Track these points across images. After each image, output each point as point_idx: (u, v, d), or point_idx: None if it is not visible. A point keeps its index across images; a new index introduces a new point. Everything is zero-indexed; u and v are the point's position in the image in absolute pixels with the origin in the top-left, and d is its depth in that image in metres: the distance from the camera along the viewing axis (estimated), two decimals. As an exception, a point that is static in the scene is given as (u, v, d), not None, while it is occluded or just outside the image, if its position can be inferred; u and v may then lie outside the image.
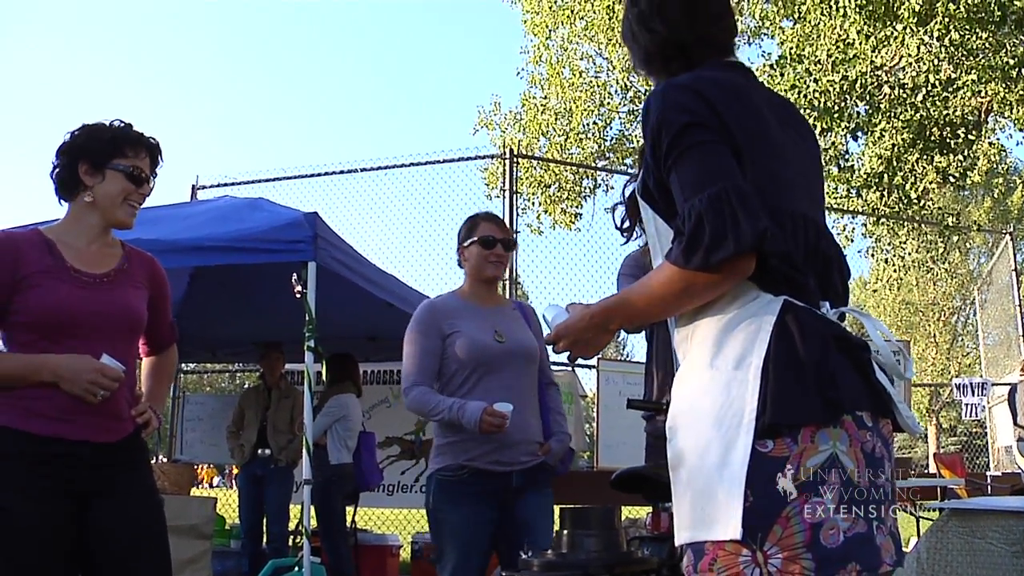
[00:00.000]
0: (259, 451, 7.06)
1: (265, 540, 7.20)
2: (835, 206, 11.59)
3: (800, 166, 1.81)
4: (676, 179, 1.66)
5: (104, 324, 2.56)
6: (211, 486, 29.22)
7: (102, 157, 2.60)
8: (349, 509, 7.53)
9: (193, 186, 9.77)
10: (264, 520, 7.17)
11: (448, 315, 3.44)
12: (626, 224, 3.49)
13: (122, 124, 2.69)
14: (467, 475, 3.28)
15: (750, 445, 1.54)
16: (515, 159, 9.55)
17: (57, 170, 2.64)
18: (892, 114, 10.20)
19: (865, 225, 12.14)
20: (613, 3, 13.25)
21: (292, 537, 7.33)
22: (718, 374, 1.62)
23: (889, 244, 12.19)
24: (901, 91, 10.09)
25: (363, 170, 9.59)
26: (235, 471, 8.30)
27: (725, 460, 1.56)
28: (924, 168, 10.43)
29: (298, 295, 5.03)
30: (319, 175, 9.75)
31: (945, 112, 10.00)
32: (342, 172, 9.65)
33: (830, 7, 9.92)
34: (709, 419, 1.59)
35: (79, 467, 2.49)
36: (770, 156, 1.72)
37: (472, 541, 3.26)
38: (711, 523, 1.57)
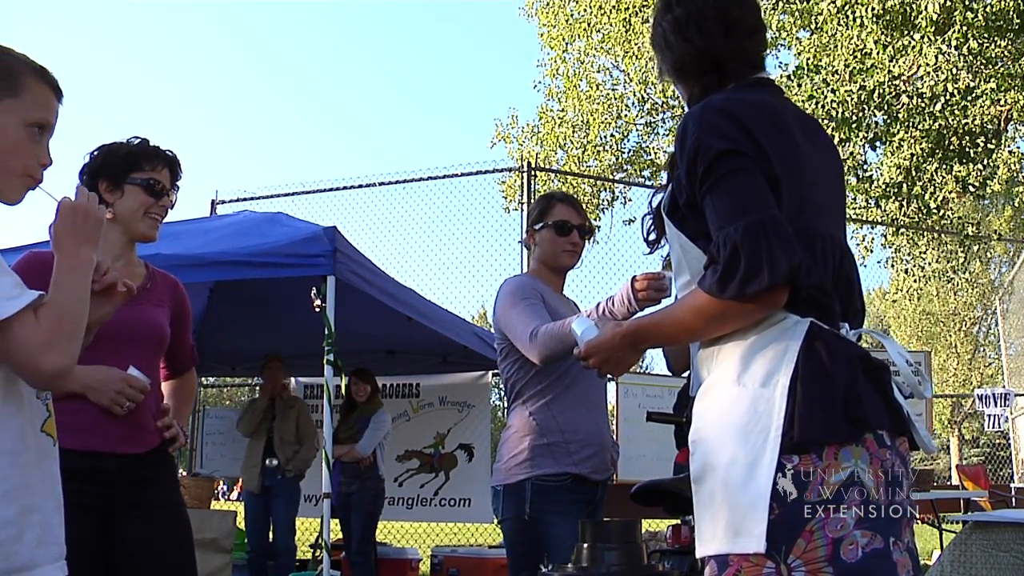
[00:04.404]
0: (267, 461, 7.09)
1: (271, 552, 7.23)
2: (854, 217, 11.52)
3: (828, 186, 1.81)
4: (711, 205, 1.66)
5: (131, 340, 2.59)
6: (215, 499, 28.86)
7: (120, 173, 2.63)
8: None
9: (212, 201, 9.83)
10: (269, 531, 7.21)
11: (545, 293, 3.05)
12: (652, 236, 3.38)
13: (138, 140, 2.71)
14: (570, 482, 2.95)
15: (776, 460, 1.56)
16: (533, 172, 9.54)
17: None
18: (910, 124, 10.16)
19: (884, 235, 12.07)
20: (630, 16, 13.26)
21: (314, 550, 7.35)
22: (745, 391, 1.63)
23: (909, 254, 12.10)
24: (919, 100, 10.04)
25: (381, 184, 9.61)
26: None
27: (751, 474, 1.57)
28: (943, 178, 10.36)
29: (317, 309, 5.04)
30: (337, 189, 9.79)
31: (964, 121, 9.95)
32: (360, 186, 9.68)
33: (847, 17, 9.90)
34: (735, 434, 1.60)
35: (106, 480, 2.51)
36: (803, 179, 1.72)
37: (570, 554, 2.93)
38: (736, 535, 1.58)
